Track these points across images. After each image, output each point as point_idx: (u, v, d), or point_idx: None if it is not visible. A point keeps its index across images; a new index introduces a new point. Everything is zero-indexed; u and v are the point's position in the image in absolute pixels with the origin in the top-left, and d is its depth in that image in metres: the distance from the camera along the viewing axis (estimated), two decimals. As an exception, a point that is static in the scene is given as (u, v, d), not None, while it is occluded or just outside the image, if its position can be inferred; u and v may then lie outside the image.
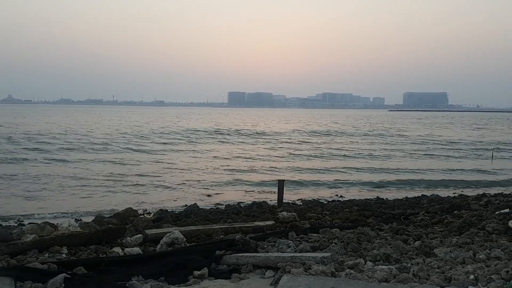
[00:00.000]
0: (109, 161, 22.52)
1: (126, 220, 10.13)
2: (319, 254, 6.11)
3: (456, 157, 27.86)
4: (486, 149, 31.73)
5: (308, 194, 15.47)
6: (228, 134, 43.27)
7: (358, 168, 21.97)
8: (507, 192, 15.68)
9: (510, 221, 7.90)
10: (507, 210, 10.13)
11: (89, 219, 10.51)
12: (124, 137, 37.30)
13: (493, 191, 16.27)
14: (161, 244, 7.22)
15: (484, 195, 14.75)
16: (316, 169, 21.48)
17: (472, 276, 4.81)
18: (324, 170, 21.41)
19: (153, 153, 26.56)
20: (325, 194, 15.61)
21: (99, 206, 12.65)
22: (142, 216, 10.84)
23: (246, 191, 15.73)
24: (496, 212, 9.75)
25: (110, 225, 9.02)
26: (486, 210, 10.47)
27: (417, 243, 6.93)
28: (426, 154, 29.16)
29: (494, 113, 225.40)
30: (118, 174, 18.55)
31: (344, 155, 27.67)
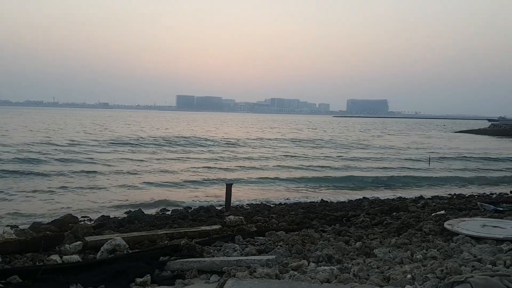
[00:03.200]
0: (48, 167, 21.47)
1: (65, 227, 9.72)
2: (264, 257, 6.14)
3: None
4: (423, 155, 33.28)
5: (256, 197, 15.54)
6: (175, 143, 39.95)
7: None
8: (443, 195, 16.56)
9: (445, 222, 8.22)
10: (442, 211, 10.68)
11: (26, 225, 9.98)
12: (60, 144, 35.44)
13: (430, 193, 17.13)
14: (102, 251, 6.97)
15: (421, 197, 15.48)
16: (265, 171, 21.66)
17: (409, 276, 4.97)
18: (273, 173, 21.62)
19: (96, 159, 25.51)
20: (273, 197, 15.74)
21: (36, 212, 12.04)
22: (82, 222, 10.44)
23: (194, 196, 15.54)
24: (433, 214, 10.22)
25: (48, 232, 8.62)
26: (423, 211, 10.96)
27: (358, 244, 7.12)
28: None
29: (431, 119, 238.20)
30: (59, 180, 17.75)
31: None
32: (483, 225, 7.75)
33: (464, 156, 32.66)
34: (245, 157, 28.78)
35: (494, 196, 16.22)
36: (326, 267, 5.44)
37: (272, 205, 13.90)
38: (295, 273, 5.31)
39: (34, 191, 15.09)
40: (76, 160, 24.28)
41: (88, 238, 7.68)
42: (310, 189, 17.97)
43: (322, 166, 25.00)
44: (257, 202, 14.50)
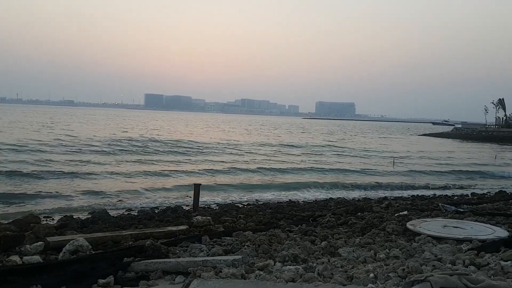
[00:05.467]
0: (11, 166, 20.74)
1: (26, 227, 9.40)
2: (230, 257, 6.13)
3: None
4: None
5: (224, 198, 15.50)
6: (143, 144, 37.75)
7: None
8: (406, 196, 16.98)
9: (408, 223, 8.40)
10: (405, 212, 10.94)
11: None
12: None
13: (394, 194, 17.55)
14: (64, 252, 6.80)
15: (385, 198, 15.83)
16: (233, 173, 21.64)
17: (372, 275, 5.06)
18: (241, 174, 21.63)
19: (61, 159, 24.75)
20: (241, 198, 15.74)
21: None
22: (44, 222, 10.14)
23: (161, 197, 15.34)
24: (396, 214, 10.44)
25: (8, 232, 8.33)
26: (387, 212, 11.19)
27: (323, 243, 7.20)
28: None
29: (396, 122, 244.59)
30: (21, 177, 17.20)
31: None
32: (444, 226, 7.96)
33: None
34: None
35: (455, 197, 16.76)
36: (291, 267, 5.49)
37: (240, 206, 13.90)
38: (261, 273, 5.32)
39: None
40: (34, 160, 23.47)
41: (50, 239, 7.47)
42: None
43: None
44: (226, 203, 14.46)
